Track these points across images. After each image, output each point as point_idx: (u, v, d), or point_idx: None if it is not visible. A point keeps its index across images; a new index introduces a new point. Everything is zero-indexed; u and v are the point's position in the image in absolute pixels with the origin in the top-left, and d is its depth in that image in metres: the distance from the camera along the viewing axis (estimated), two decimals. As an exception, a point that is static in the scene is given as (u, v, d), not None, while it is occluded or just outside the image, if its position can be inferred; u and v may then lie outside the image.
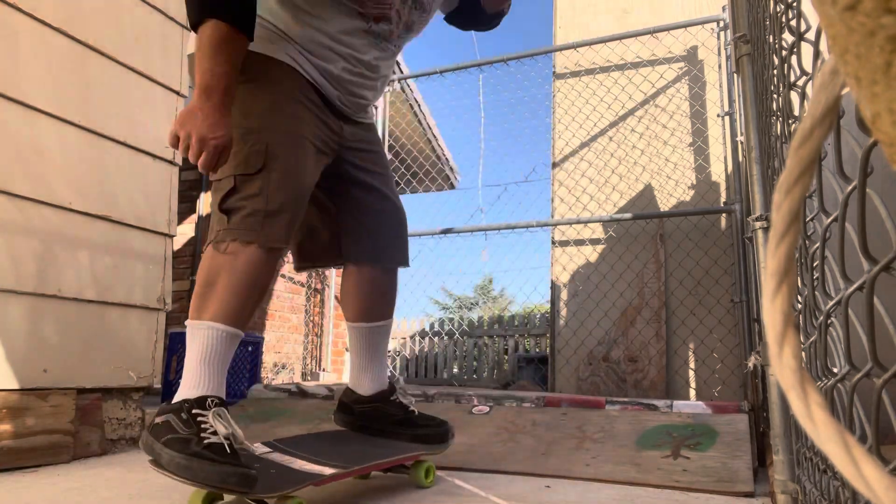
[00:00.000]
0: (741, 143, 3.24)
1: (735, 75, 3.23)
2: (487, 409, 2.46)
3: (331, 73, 1.56)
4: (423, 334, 8.47)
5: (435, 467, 1.75)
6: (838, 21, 0.19)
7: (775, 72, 1.09)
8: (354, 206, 1.71)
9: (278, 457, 1.44)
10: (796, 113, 0.83)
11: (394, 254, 1.77)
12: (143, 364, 2.41)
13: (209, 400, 1.32)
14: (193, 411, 1.29)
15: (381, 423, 1.74)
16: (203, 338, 1.37)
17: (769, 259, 0.23)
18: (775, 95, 1.16)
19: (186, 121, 1.33)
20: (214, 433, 1.26)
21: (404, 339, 9.06)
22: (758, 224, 1.28)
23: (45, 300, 2.07)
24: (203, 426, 1.27)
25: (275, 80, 1.47)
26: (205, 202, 4.86)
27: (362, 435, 1.74)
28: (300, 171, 1.47)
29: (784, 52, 0.86)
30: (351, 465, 1.44)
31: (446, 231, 3.90)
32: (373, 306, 1.77)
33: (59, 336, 2.12)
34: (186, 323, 1.42)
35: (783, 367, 0.22)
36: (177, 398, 1.33)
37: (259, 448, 1.48)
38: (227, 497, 1.36)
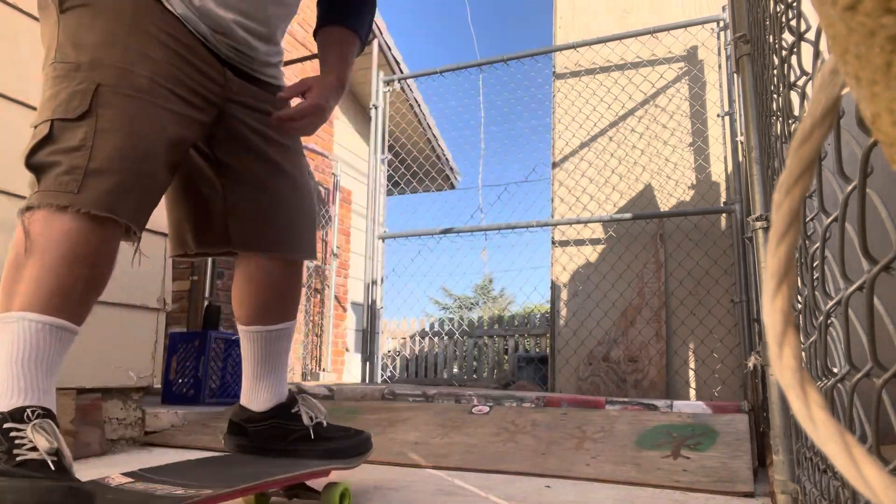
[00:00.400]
0: (741, 143, 3.24)
1: (735, 75, 3.23)
2: (487, 409, 2.46)
3: (220, 12, 1.26)
4: (422, 334, 8.47)
5: (350, 491, 1.41)
6: (838, 21, 0.19)
7: (775, 72, 1.09)
8: (246, 180, 1.37)
9: (141, 486, 1.19)
10: (796, 113, 0.83)
11: (294, 243, 1.44)
12: (144, 364, 2.41)
13: (28, 411, 1.02)
14: (5, 426, 0.99)
15: (282, 442, 1.45)
16: (13, 333, 1.05)
17: (769, 259, 0.23)
18: (775, 95, 1.16)
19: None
20: (34, 449, 0.99)
21: (404, 338, 9.06)
22: (758, 224, 1.28)
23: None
24: (17, 441, 0.98)
25: (117, 4, 1.17)
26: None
27: (260, 457, 1.44)
28: (143, 122, 1.14)
29: (784, 52, 0.86)
30: (235, 485, 1.17)
31: (446, 231, 3.90)
32: (269, 306, 1.47)
33: (59, 336, 2.12)
34: None
35: (783, 367, 0.22)
36: None
37: (117, 479, 1.22)
38: None
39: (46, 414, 1.05)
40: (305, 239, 1.46)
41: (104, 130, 1.10)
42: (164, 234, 2.52)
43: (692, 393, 3.38)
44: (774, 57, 1.09)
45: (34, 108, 2.05)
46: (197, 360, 3.28)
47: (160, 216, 2.48)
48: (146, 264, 2.44)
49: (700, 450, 1.94)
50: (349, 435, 1.51)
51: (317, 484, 1.40)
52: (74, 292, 1.10)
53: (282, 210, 1.41)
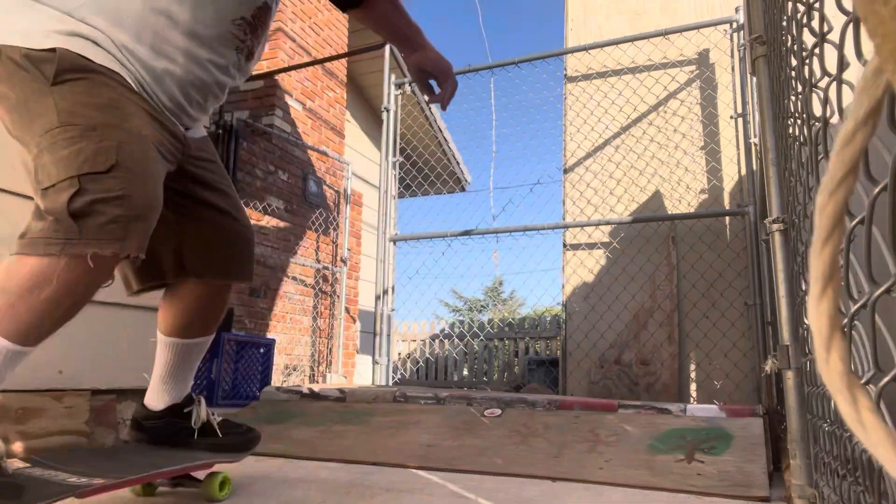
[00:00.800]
0: (755, 144, 3.22)
1: (749, 77, 3.21)
2: (500, 411, 2.45)
3: (176, 92, 1.40)
4: (433, 337, 8.48)
5: (231, 480, 1.58)
6: (889, 20, 0.19)
7: (793, 73, 1.08)
8: (193, 217, 1.55)
9: (38, 471, 1.26)
10: (817, 114, 0.82)
11: (230, 268, 1.60)
12: (157, 365, 2.42)
13: None
14: None
15: (176, 437, 1.60)
16: None
17: (813, 262, 0.22)
18: (793, 97, 1.15)
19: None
20: None
21: (415, 341, 9.07)
22: (775, 226, 1.27)
23: (61, 302, 2.09)
24: None
25: (107, 81, 1.29)
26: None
27: (152, 449, 1.58)
28: (154, 176, 1.31)
29: (804, 54, 0.85)
30: (126, 475, 1.29)
31: (463, 233, 3.89)
32: (192, 323, 1.60)
33: (74, 337, 2.14)
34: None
35: (830, 370, 0.21)
36: None
37: (14, 464, 1.30)
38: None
39: None
40: (242, 264, 1.63)
41: (131, 182, 1.25)
42: (178, 237, 2.54)
43: (705, 396, 3.36)
44: (792, 58, 1.08)
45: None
46: (210, 361, 3.29)
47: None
48: (160, 266, 2.45)
49: (715, 454, 1.92)
50: (240, 432, 1.67)
51: (200, 475, 1.56)
52: (65, 319, 1.27)
53: (222, 242, 1.59)
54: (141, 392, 2.36)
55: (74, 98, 1.25)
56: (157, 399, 1.62)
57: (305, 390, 2.97)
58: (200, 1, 1.39)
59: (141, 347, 2.36)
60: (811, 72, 0.83)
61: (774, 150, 1.30)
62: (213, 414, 1.65)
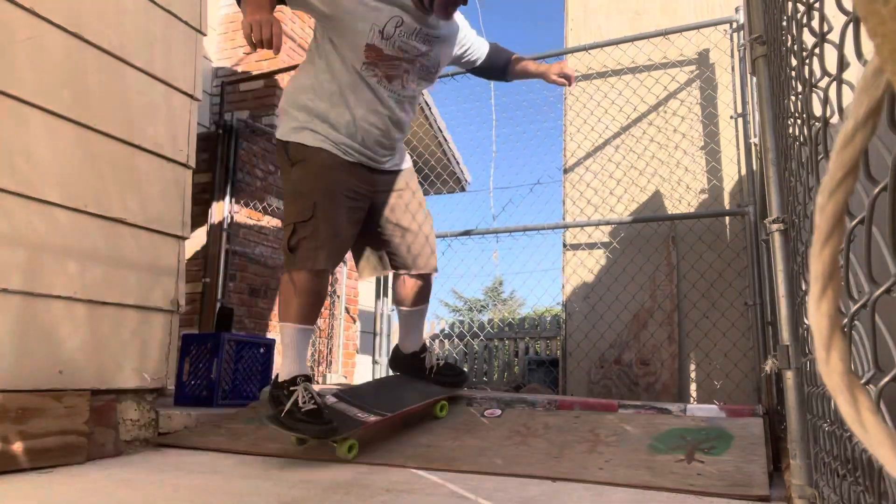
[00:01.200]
0: (755, 144, 3.22)
1: (749, 77, 3.21)
2: (500, 412, 2.45)
3: (353, 145, 2.22)
4: (433, 337, 8.47)
5: (447, 404, 2.47)
6: (889, 20, 0.19)
7: (793, 73, 1.08)
8: (387, 232, 2.40)
9: (342, 406, 2.12)
10: (817, 114, 0.82)
11: (424, 264, 2.46)
12: (157, 366, 2.42)
13: (298, 377, 2.06)
14: (291, 388, 2.03)
15: (416, 372, 2.51)
16: (290, 335, 2.12)
17: (813, 262, 0.22)
18: (793, 97, 1.15)
19: (248, 21, 1.94)
20: (306, 401, 1.99)
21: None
22: (774, 226, 1.27)
23: (61, 302, 2.09)
24: (296, 396, 2.00)
25: (315, 158, 2.16)
26: (217, 207, 4.88)
27: (403, 380, 2.53)
28: (336, 218, 2.15)
29: (804, 54, 0.85)
30: (391, 411, 2.16)
31: (466, 233, 3.88)
32: (413, 298, 2.50)
33: (75, 338, 2.14)
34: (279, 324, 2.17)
35: (831, 371, 0.21)
36: (284, 376, 2.09)
37: (329, 399, 2.14)
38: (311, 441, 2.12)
39: (307, 378, 2.07)
40: (428, 258, 2.48)
41: (319, 226, 2.10)
42: (179, 237, 2.54)
43: (705, 396, 3.36)
44: (792, 58, 1.08)
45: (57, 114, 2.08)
46: (210, 361, 3.29)
47: (174, 219, 2.50)
48: (159, 267, 2.46)
49: (714, 454, 1.92)
50: (456, 373, 2.58)
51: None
52: (315, 309, 2.19)
53: (414, 245, 2.44)
54: (141, 392, 2.37)
55: (297, 175, 2.17)
56: (405, 346, 2.57)
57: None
58: (370, 82, 2.19)
59: (141, 347, 2.36)
60: (811, 72, 0.83)
61: (774, 150, 1.30)
62: (438, 359, 2.56)
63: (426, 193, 7.43)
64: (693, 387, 3.41)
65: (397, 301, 2.53)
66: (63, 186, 2.11)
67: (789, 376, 1.34)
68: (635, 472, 1.85)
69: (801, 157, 1.10)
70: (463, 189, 8.66)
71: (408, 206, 2.42)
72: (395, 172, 2.41)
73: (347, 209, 2.19)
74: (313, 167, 2.15)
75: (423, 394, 2.36)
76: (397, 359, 2.61)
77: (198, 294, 4.71)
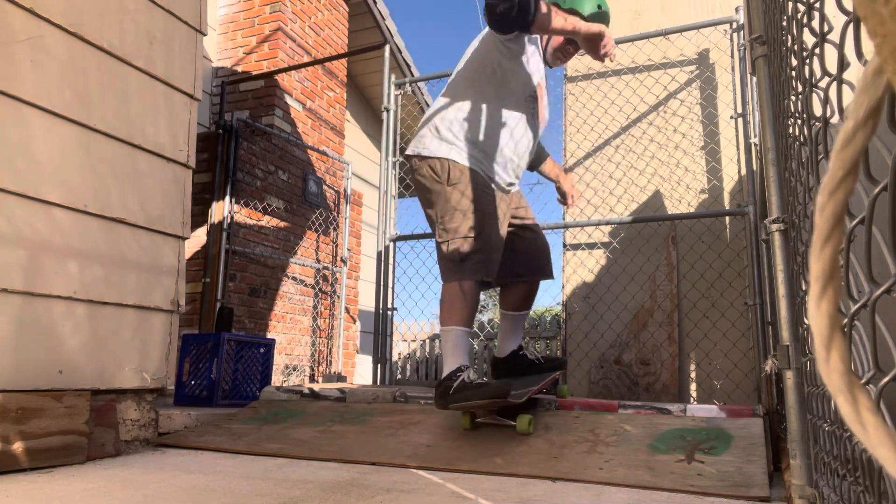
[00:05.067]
0: (755, 144, 3.22)
1: (749, 77, 3.21)
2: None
3: (503, 176, 2.47)
4: (434, 336, 8.47)
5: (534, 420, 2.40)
6: (889, 20, 0.19)
7: (794, 73, 1.08)
8: (517, 244, 2.61)
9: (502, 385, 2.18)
10: (817, 114, 0.82)
11: (537, 272, 2.68)
12: (157, 366, 2.42)
13: (462, 366, 2.23)
14: (464, 373, 2.19)
15: (520, 369, 2.71)
16: (455, 336, 2.28)
17: (813, 262, 0.22)
18: (793, 97, 1.15)
19: (598, 31, 2.35)
20: (473, 379, 2.16)
21: (415, 341, 9.06)
22: (774, 226, 1.27)
23: (61, 302, 2.09)
24: (464, 377, 2.17)
25: (477, 179, 2.36)
26: (217, 207, 4.88)
27: (514, 376, 2.69)
28: (499, 233, 2.39)
29: (804, 54, 0.85)
30: (533, 385, 2.38)
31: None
32: (519, 304, 2.71)
33: (75, 338, 2.14)
34: (441, 328, 2.34)
35: (831, 371, 0.21)
36: (448, 370, 2.23)
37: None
38: (480, 419, 2.32)
39: (468, 367, 2.23)
40: (545, 266, 2.71)
41: (485, 240, 2.31)
42: (179, 237, 2.54)
43: (705, 396, 3.36)
44: (793, 58, 1.08)
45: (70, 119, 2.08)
46: (210, 361, 3.29)
47: (174, 219, 2.50)
48: (159, 267, 2.46)
49: (714, 454, 1.92)
50: (557, 359, 2.83)
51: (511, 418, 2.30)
52: (475, 314, 2.35)
53: (531, 254, 2.66)
54: (141, 392, 2.37)
55: (458, 196, 2.33)
56: (503, 349, 2.75)
57: (306, 390, 2.97)
58: (515, 117, 2.46)
59: (141, 347, 2.36)
60: (811, 71, 0.83)
61: (774, 149, 1.30)
62: (537, 354, 2.79)
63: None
64: (693, 387, 3.41)
65: (508, 305, 2.72)
66: (63, 186, 2.11)
67: (789, 376, 1.34)
68: (635, 472, 1.85)
69: (801, 157, 1.10)
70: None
71: (529, 216, 2.70)
72: (517, 192, 2.71)
73: (501, 225, 2.45)
74: (471, 187, 2.39)
75: (541, 376, 2.60)
76: (498, 364, 2.76)
77: (198, 294, 4.70)
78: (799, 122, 1.10)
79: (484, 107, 2.41)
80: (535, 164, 2.83)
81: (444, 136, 2.39)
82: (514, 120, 2.44)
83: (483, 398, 2.07)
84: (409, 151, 2.48)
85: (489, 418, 2.30)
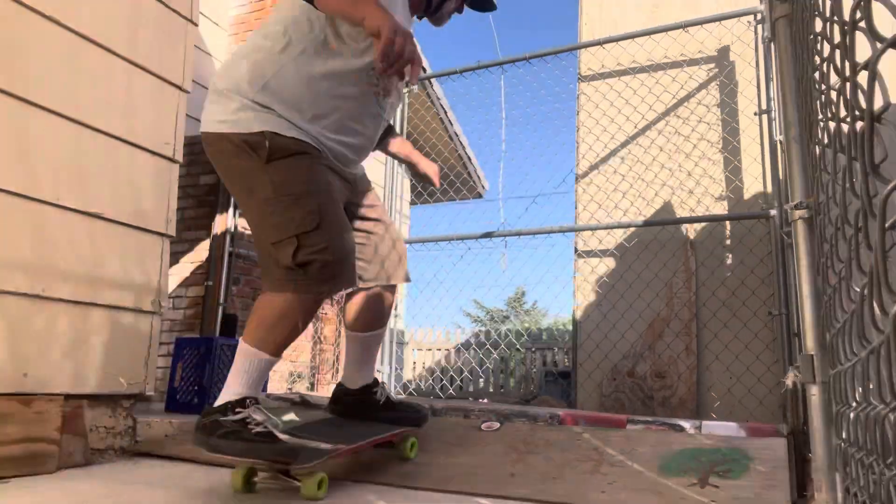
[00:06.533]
0: (780, 142, 3.00)
1: (774, 71, 3.00)
2: (498, 425, 2.27)
3: (346, 142, 1.85)
4: (451, 347, 8.31)
5: (417, 443, 2.06)
6: None
7: (822, 35, 0.90)
8: (360, 240, 2.01)
9: (297, 441, 1.61)
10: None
11: (391, 275, 2.05)
12: (135, 370, 2.29)
13: (249, 398, 1.63)
14: (240, 409, 1.59)
15: (367, 411, 2.06)
16: (249, 363, 1.67)
17: None
18: (824, 67, 0.97)
19: (390, 25, 1.47)
20: (257, 423, 1.56)
21: (430, 350, 8.90)
22: (797, 213, 1.08)
23: (28, 300, 1.96)
24: (246, 419, 1.57)
25: (305, 154, 1.72)
26: (222, 209, 4.78)
27: (353, 420, 2.04)
28: (344, 224, 1.77)
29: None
30: (354, 442, 1.76)
31: (487, 235, 3.67)
32: (372, 318, 2.07)
33: (42, 339, 2.01)
34: (241, 343, 1.70)
35: None
36: (227, 397, 1.64)
37: (283, 436, 1.64)
38: (261, 474, 1.71)
39: (257, 403, 1.64)
40: (397, 269, 2.07)
41: (332, 236, 1.68)
42: (162, 234, 2.41)
43: (725, 413, 3.13)
44: (818, 20, 0.90)
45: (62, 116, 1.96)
46: (202, 367, 3.16)
47: (157, 215, 2.37)
48: (140, 265, 2.33)
49: (731, 478, 1.72)
50: (414, 410, 2.13)
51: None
52: (293, 340, 1.74)
53: (385, 253, 2.05)
54: (117, 398, 2.23)
55: (283, 175, 1.68)
56: (353, 380, 2.09)
57: (297, 398, 2.82)
58: (341, 72, 1.77)
59: (118, 350, 2.22)
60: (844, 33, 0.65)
61: (797, 124, 1.11)
62: (391, 395, 2.14)
63: (438, 202, 7.27)
64: (712, 402, 3.18)
65: (356, 324, 2.06)
66: (32, 178, 1.99)
67: (814, 392, 1.14)
68: (641, 496, 1.65)
69: (830, 132, 0.92)
70: (480, 195, 8.49)
71: (376, 209, 2.09)
72: (362, 176, 2.10)
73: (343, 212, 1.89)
74: (304, 163, 1.79)
75: (387, 427, 1.97)
76: (341, 397, 2.11)
77: (201, 297, 4.60)
78: (828, 91, 0.92)
79: (308, 60, 1.74)
80: (381, 142, 2.17)
81: (256, 98, 1.71)
82: (350, 80, 1.80)
83: (263, 457, 1.57)
84: (205, 127, 1.77)
85: (271, 476, 1.73)
